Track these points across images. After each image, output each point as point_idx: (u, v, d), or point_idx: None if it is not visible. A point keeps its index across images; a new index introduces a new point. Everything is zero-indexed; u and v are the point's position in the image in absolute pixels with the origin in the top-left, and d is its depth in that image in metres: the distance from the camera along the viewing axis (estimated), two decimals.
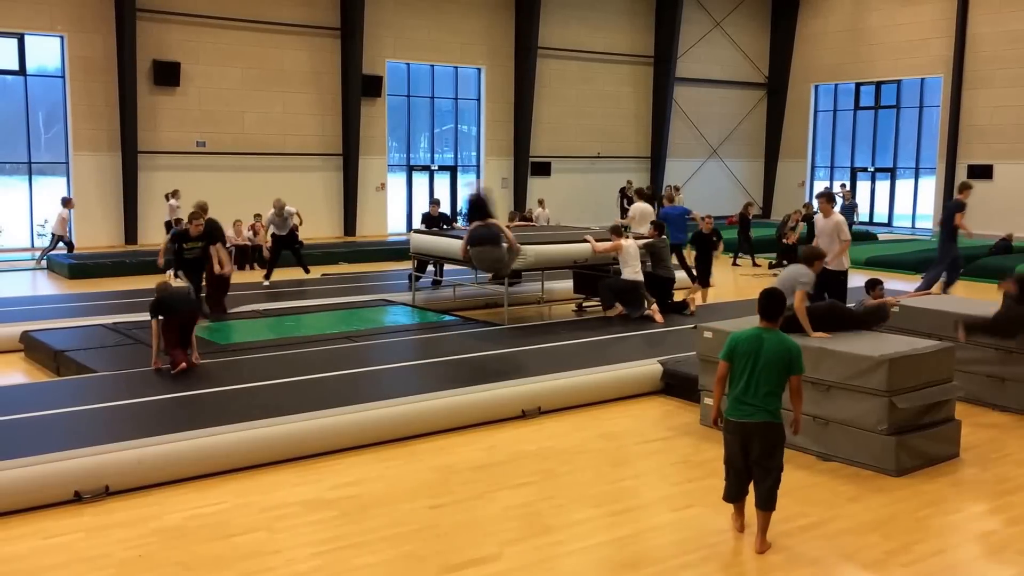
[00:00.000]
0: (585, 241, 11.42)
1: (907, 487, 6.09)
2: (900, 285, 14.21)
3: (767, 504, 5.03)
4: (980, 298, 11.58)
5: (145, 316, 11.03)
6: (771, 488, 5.01)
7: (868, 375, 6.33)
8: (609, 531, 5.36)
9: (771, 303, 5.14)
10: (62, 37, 19.62)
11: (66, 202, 18.09)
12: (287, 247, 15.10)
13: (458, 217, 24.10)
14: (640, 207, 14.00)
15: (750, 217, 19.62)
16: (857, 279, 15.48)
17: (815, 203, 12.45)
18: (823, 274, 10.02)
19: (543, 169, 26.14)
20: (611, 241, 11.12)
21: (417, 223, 21.84)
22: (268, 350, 9.12)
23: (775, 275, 15.93)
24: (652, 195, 25.04)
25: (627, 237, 11.43)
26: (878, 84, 28.05)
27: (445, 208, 23.38)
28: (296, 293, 13.19)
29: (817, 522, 5.49)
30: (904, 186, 28.21)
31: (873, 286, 9.60)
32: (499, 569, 4.84)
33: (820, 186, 28.92)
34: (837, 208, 11.02)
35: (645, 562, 4.94)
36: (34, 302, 12.35)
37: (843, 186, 28.03)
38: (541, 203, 20.86)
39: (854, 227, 24.83)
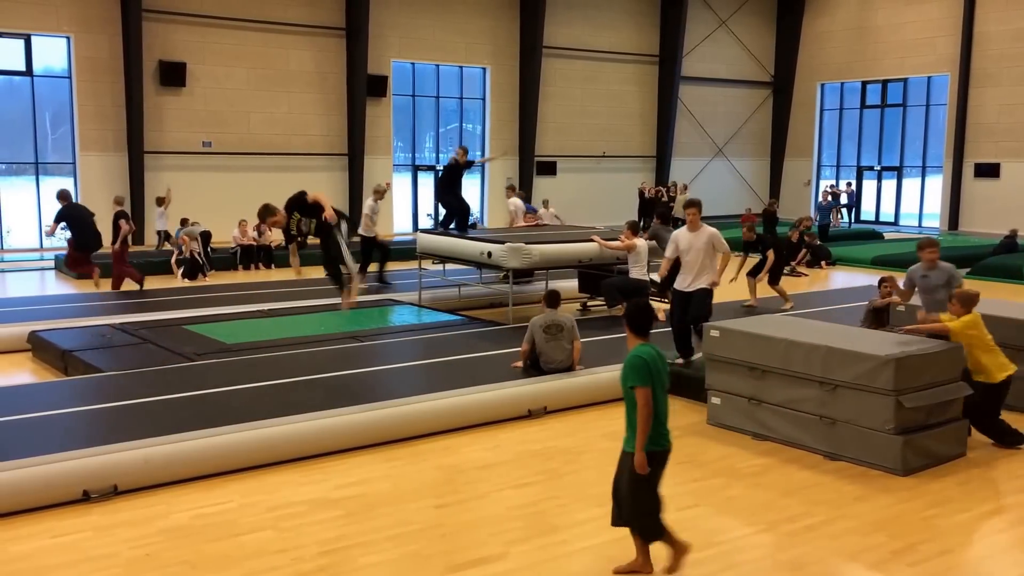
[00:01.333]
0: (591, 241, 11.41)
1: (914, 487, 6.08)
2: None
3: None
4: (986, 296, 11.54)
5: (150, 316, 11.10)
6: None
7: (875, 374, 6.32)
8: (614, 531, 5.34)
9: (643, 317, 4.73)
10: (68, 38, 19.69)
11: (160, 201, 18.17)
12: (376, 246, 14.30)
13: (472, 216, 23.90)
14: (514, 201, 15.58)
15: (776, 215, 19.30)
16: (865, 278, 15.44)
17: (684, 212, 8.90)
18: (675, 293, 8.76)
19: (548, 168, 26.13)
20: (622, 240, 11.09)
21: (423, 223, 21.88)
22: (274, 350, 9.15)
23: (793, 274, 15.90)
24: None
25: (641, 236, 11.36)
26: (884, 82, 27.99)
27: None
28: (302, 293, 13.20)
29: (823, 521, 5.49)
30: (911, 185, 28.15)
31: (883, 282, 9.60)
32: (504, 568, 4.85)
33: (826, 184, 28.90)
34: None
35: None
36: (41, 302, 12.39)
37: (848, 184, 27.99)
38: (546, 204, 20.89)
39: (834, 228, 24.73)
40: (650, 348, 4.66)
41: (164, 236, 17.98)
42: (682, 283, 8.51)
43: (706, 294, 8.42)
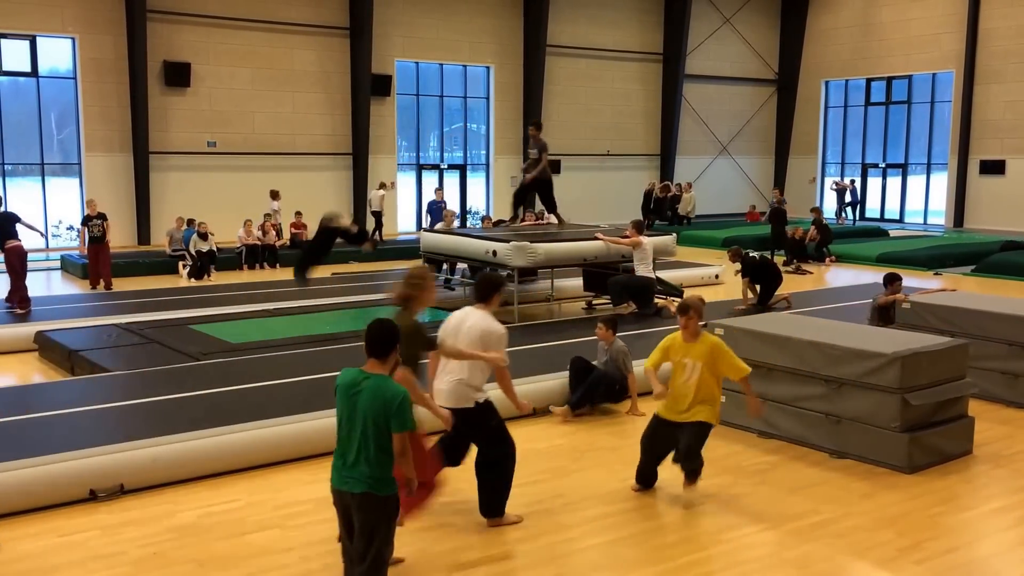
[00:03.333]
0: (595, 239, 11.41)
1: (920, 484, 6.08)
2: (911, 282, 14.13)
3: None
4: (991, 293, 11.53)
5: (156, 316, 11.15)
6: (368, 572, 3.97)
7: (881, 372, 6.31)
8: (619, 528, 5.36)
9: (377, 336, 3.97)
10: (73, 39, 19.72)
11: (274, 195, 18.82)
12: None
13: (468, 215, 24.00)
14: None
15: (786, 213, 19.16)
16: (870, 276, 15.41)
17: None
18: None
19: (553, 167, 26.03)
20: (628, 237, 11.13)
21: (427, 222, 21.92)
22: (280, 349, 9.16)
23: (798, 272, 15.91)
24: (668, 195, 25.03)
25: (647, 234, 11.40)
26: (889, 79, 27.93)
27: (455, 206, 23.52)
28: (306, 292, 13.22)
29: (830, 519, 5.48)
30: (916, 182, 28.09)
31: (891, 280, 9.63)
32: (510, 567, 4.86)
33: (830, 182, 28.84)
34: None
35: (655, 559, 4.94)
36: (48, 302, 12.43)
37: (852, 182, 27.93)
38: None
39: (839, 225, 24.53)
40: (351, 372, 4.02)
41: (277, 231, 18.33)
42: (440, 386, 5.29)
43: (482, 417, 5.25)
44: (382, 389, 3.88)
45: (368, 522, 3.93)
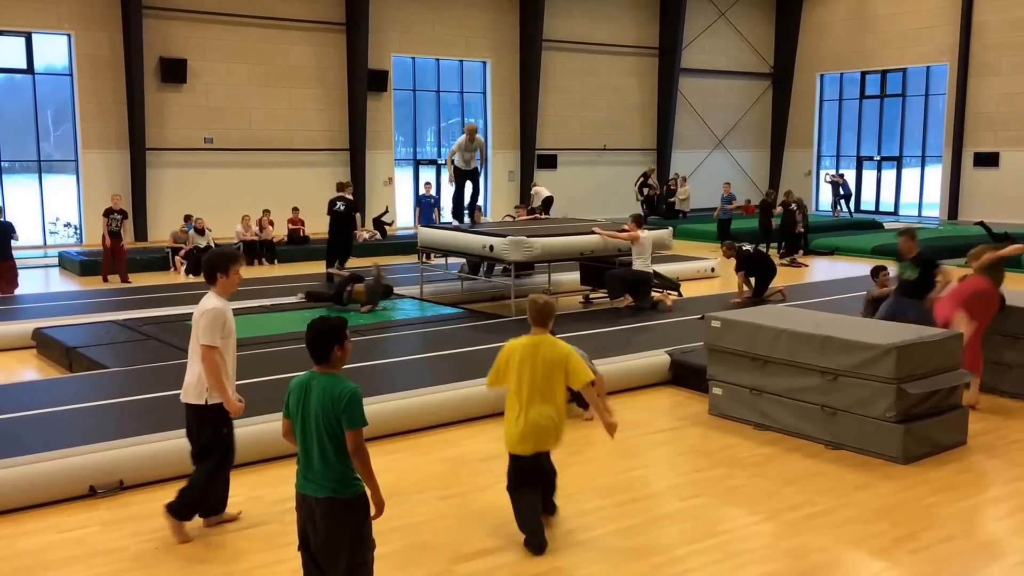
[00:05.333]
0: (592, 233, 11.44)
1: (915, 474, 6.12)
2: None
3: None
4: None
5: (154, 312, 11.17)
6: None
7: (877, 363, 6.35)
8: (617, 521, 5.40)
9: (316, 341, 3.88)
10: (69, 35, 19.70)
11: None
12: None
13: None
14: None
15: (775, 205, 19.34)
16: (865, 268, 15.45)
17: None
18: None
19: (549, 162, 26.13)
20: (627, 231, 11.17)
21: (417, 216, 22.01)
22: (276, 344, 9.17)
23: (789, 264, 15.96)
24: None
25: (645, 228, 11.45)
26: (883, 72, 27.95)
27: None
28: (305, 288, 13.23)
29: (825, 510, 5.52)
30: (910, 174, 28.14)
31: (878, 272, 9.70)
32: (508, 559, 4.89)
33: (826, 175, 28.89)
34: None
35: (653, 551, 4.98)
36: (46, 299, 12.45)
37: (841, 176, 27.96)
38: (534, 184, 20.97)
39: (834, 218, 24.65)
40: (299, 378, 3.96)
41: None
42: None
43: (212, 415, 5.28)
44: (331, 387, 3.81)
45: (334, 528, 3.81)
